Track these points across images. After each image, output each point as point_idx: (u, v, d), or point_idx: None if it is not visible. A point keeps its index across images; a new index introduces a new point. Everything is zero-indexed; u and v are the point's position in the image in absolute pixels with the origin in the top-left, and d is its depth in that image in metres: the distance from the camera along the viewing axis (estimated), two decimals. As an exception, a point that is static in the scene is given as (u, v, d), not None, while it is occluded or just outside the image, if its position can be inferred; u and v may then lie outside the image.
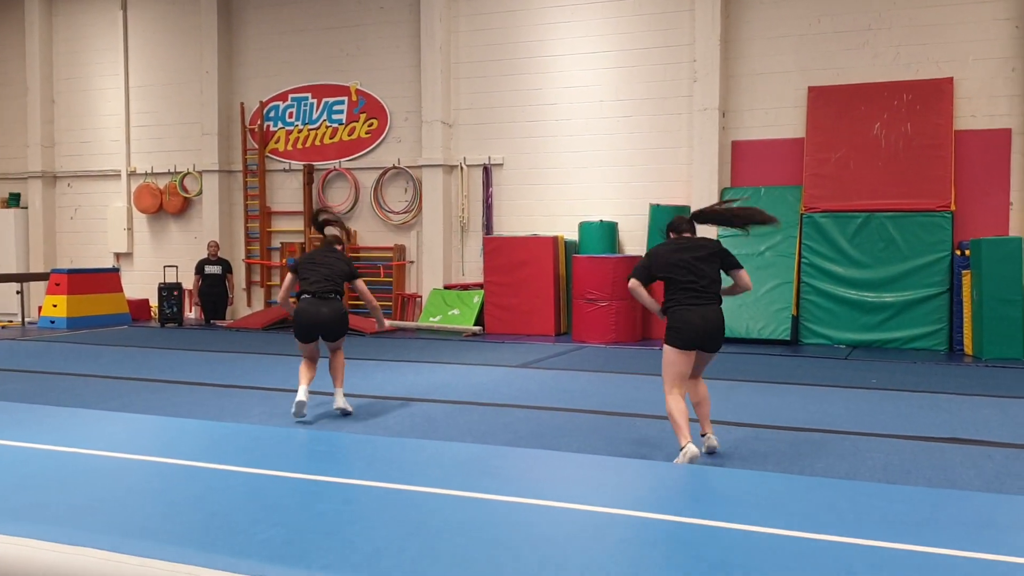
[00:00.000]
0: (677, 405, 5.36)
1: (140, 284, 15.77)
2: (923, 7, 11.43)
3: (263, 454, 5.43)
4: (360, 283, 7.05)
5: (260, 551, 3.67)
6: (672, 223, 5.86)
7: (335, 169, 14.64)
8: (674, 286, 5.56)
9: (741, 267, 5.62)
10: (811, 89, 11.83)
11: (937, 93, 11.22)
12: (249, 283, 15.32)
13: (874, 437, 6.09)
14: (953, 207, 10.88)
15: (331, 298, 6.82)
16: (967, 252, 10.47)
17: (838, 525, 4.08)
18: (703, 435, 5.61)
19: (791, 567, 3.56)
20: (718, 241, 5.74)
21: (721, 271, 5.59)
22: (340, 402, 6.82)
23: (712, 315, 5.47)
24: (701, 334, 5.44)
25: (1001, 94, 11.14)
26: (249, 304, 15.29)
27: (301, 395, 6.57)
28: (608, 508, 4.37)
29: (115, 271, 15.20)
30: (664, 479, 5.05)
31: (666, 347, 5.55)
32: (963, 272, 10.51)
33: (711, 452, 5.58)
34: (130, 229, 16.09)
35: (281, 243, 14.92)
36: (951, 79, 11.20)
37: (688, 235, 5.74)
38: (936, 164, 11.08)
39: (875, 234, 11.13)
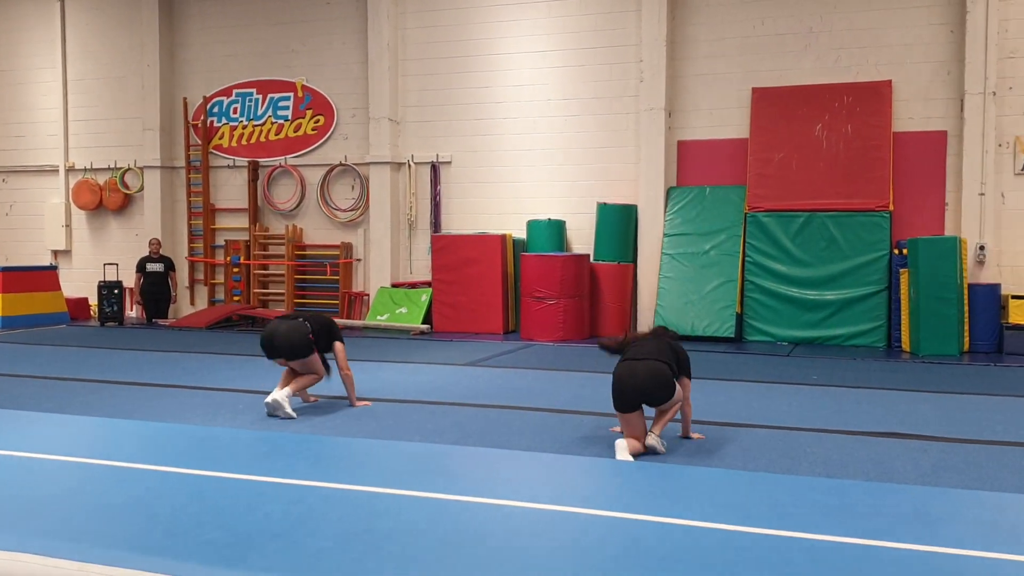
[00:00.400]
0: None
1: (79, 282, 15.41)
2: (862, 11, 11.67)
3: (206, 455, 5.35)
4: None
5: (202, 554, 3.62)
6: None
7: (281, 166, 14.47)
8: None
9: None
10: (755, 90, 12.02)
11: (876, 95, 11.48)
12: (192, 281, 15.08)
13: (815, 432, 6.21)
14: (891, 207, 11.14)
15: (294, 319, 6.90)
16: (905, 251, 10.73)
17: (779, 519, 4.16)
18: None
19: (734, 561, 3.61)
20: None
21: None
22: (276, 395, 6.71)
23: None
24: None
25: (937, 97, 11.43)
26: (192, 303, 15.04)
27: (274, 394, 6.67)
28: (556, 506, 4.40)
29: (52, 269, 14.83)
30: (610, 476, 5.09)
31: None
32: (901, 270, 10.77)
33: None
34: (68, 226, 15.71)
35: (225, 240, 14.71)
36: (889, 82, 11.47)
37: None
38: (875, 165, 11.33)
39: (816, 233, 11.35)
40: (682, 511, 4.30)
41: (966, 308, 10.56)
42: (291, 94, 14.44)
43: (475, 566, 3.54)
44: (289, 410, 6.64)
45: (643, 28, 12.34)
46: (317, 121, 14.32)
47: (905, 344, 10.70)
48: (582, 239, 12.85)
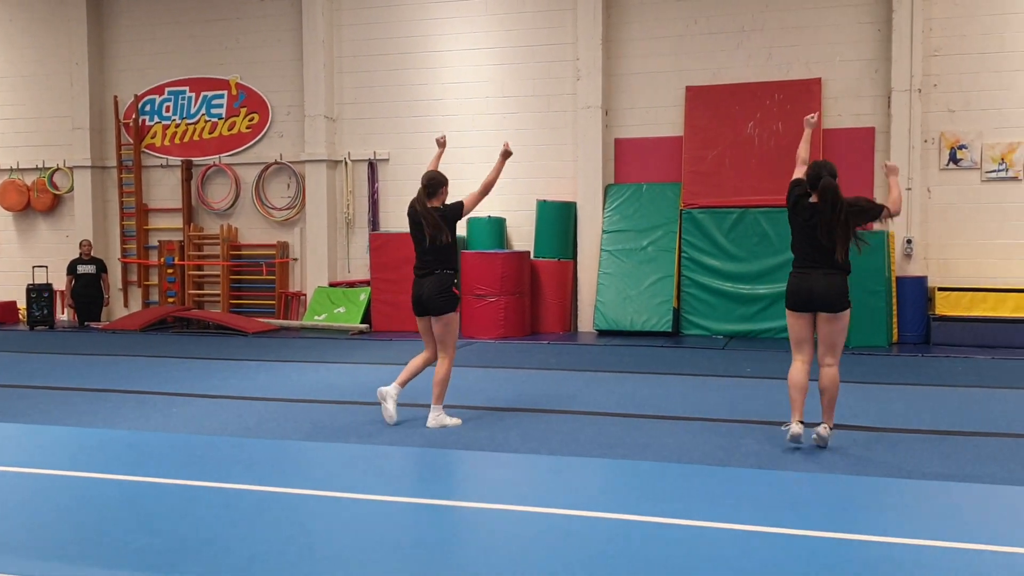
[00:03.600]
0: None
1: (7, 286, 14.95)
2: (793, 10, 11.90)
3: (137, 461, 5.25)
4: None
5: (133, 561, 3.56)
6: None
7: (215, 165, 14.23)
8: None
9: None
10: (689, 89, 12.17)
11: (806, 93, 11.72)
12: (125, 283, 14.74)
13: (748, 424, 6.33)
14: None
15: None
16: (835, 245, 10.96)
17: (712, 511, 4.24)
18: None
19: (666, 554, 3.67)
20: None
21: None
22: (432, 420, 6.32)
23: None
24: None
25: (866, 94, 11.71)
26: (126, 305, 14.71)
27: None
28: (491, 504, 4.42)
29: (-23, 272, 14.37)
30: (550, 474, 5.13)
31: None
32: (831, 264, 11.01)
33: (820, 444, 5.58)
34: (-6, 228, 15.25)
35: (159, 241, 14.41)
36: (819, 80, 11.71)
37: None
38: (806, 161, 11.55)
39: (749, 229, 11.55)
40: (615, 506, 4.35)
41: (894, 300, 10.85)
42: (225, 92, 14.21)
43: (412, 566, 3.54)
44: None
45: (579, 27, 12.41)
46: (252, 119, 14.12)
47: (836, 336, 10.95)
48: (522, 236, 12.89)
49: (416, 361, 6.49)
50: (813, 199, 5.64)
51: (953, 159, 11.28)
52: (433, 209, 6.41)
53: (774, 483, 4.77)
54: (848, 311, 5.63)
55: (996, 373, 8.70)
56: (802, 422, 5.53)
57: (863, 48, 11.68)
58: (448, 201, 6.56)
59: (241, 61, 14.12)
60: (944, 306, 10.74)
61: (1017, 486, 4.74)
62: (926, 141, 11.35)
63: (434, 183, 6.49)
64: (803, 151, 6.15)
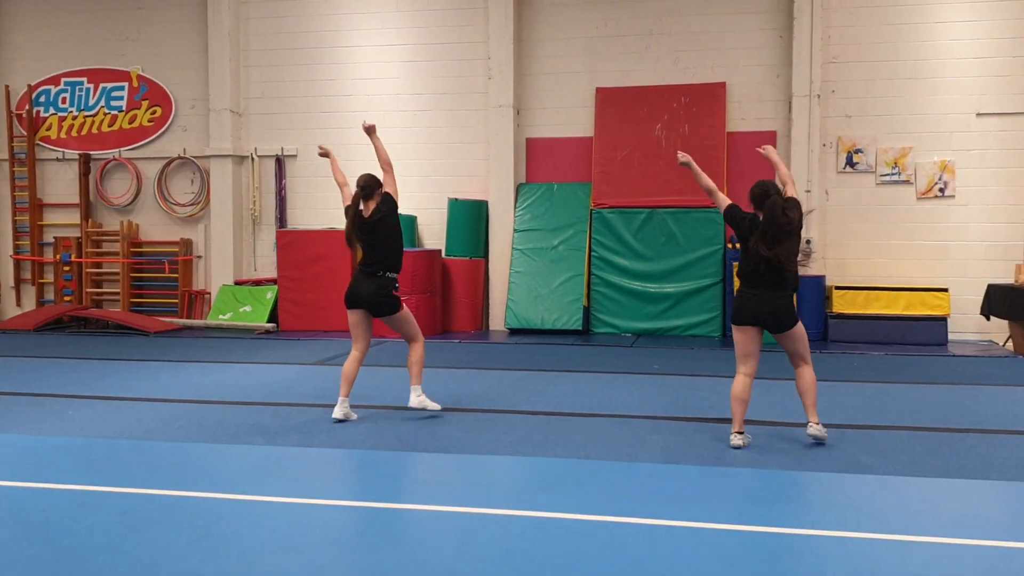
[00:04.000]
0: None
1: None
2: (698, 15, 12.18)
3: (28, 466, 5.04)
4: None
5: (22, 570, 3.42)
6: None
7: (115, 159, 13.75)
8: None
9: None
10: (598, 90, 12.33)
11: (711, 97, 12.00)
12: (18, 281, 14.12)
13: (655, 420, 6.44)
14: (726, 203, 11.67)
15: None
16: (738, 245, 11.25)
17: (618, 506, 4.30)
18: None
19: (573, 549, 3.71)
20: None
21: None
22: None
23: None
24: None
25: (767, 99, 12.06)
26: (19, 303, 14.10)
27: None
28: (402, 504, 4.40)
29: None
30: (459, 472, 5.13)
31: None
32: (734, 264, 11.31)
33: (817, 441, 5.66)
34: None
35: (54, 237, 13.85)
36: (724, 84, 12.01)
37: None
38: (710, 163, 11.81)
39: (657, 229, 11.78)
40: (526, 502, 4.38)
41: (794, 299, 11.18)
42: (125, 84, 13.75)
43: (318, 569, 3.49)
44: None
45: (490, 25, 12.44)
46: (154, 112, 13.70)
47: (740, 334, 11.26)
48: (434, 235, 12.85)
49: (348, 367, 6.39)
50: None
51: (850, 163, 11.72)
52: (374, 211, 6.38)
53: (680, 477, 4.87)
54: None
55: (889, 368, 9.07)
56: (741, 433, 5.62)
57: (765, 54, 12.02)
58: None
59: (143, 52, 13.69)
60: (841, 304, 11.14)
61: (906, 476, 4.95)
62: (824, 145, 11.76)
63: (370, 186, 6.49)
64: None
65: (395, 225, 6.49)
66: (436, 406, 6.45)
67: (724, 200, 5.93)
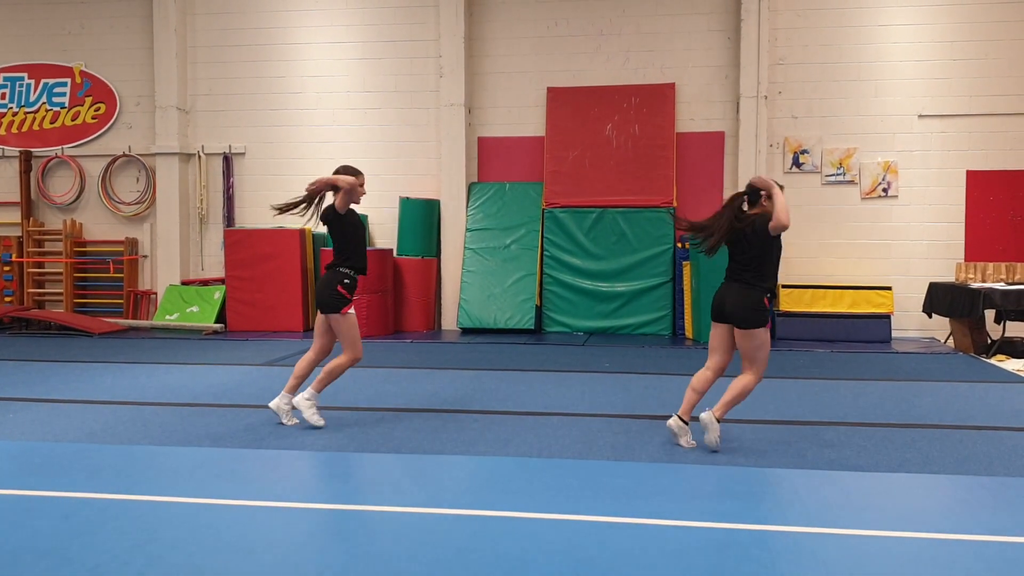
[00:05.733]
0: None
1: None
2: (648, 16, 12.27)
3: (-33, 471, 4.91)
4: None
5: (-41, 579, 3.33)
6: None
7: (57, 156, 13.45)
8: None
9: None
10: (550, 90, 12.37)
11: (661, 97, 12.11)
12: (-45, 281, 13.76)
13: (606, 418, 6.48)
14: (675, 203, 11.80)
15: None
16: (687, 244, 11.39)
17: (570, 504, 4.32)
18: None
19: (525, 548, 3.72)
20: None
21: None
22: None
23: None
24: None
25: (716, 100, 12.20)
26: (-45, 305, 13.72)
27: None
28: (353, 505, 4.36)
29: None
30: (411, 472, 5.10)
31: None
32: (684, 263, 11.44)
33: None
34: None
35: (-7, 236, 13.53)
36: (673, 84, 12.13)
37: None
38: (660, 163, 11.96)
39: (608, 228, 11.85)
40: (475, 502, 4.38)
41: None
42: (68, 80, 13.45)
43: (265, 571, 3.45)
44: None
45: (442, 23, 12.40)
46: (98, 109, 13.42)
47: (688, 332, 11.39)
48: (385, 233, 12.78)
49: (299, 363, 6.23)
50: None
51: (796, 163, 11.91)
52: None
53: (630, 474, 4.90)
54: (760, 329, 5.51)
55: (835, 365, 9.24)
56: (681, 418, 5.63)
57: (714, 55, 12.16)
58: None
59: (86, 48, 13.41)
60: (788, 302, 11.31)
61: (851, 471, 5.04)
62: (771, 146, 11.94)
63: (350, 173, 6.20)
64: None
65: (333, 226, 6.18)
66: (320, 422, 6.08)
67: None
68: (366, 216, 12.68)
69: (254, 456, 5.33)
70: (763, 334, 5.49)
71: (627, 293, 11.72)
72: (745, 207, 5.68)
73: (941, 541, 3.87)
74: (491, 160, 12.68)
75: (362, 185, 6.10)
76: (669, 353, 10.17)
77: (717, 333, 5.70)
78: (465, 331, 11.93)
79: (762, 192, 5.58)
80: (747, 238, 5.52)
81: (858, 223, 11.82)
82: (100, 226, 13.53)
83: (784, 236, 11.74)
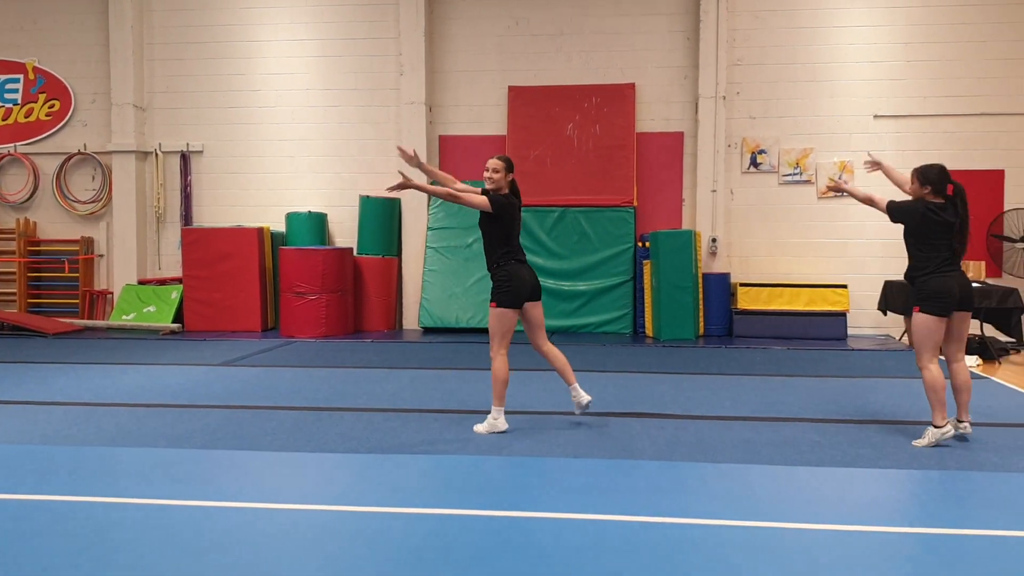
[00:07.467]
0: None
1: None
2: (608, 16, 12.33)
3: (-88, 474, 4.80)
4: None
5: (-98, 584, 3.25)
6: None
7: (10, 154, 13.19)
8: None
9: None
10: (511, 89, 12.38)
11: (621, 97, 12.17)
12: (-97, 281, 13.45)
13: (565, 416, 6.50)
14: (635, 203, 11.87)
15: None
16: (647, 244, 11.48)
17: (524, 501, 4.33)
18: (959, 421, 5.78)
19: (482, 547, 3.72)
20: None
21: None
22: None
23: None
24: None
25: (676, 100, 12.29)
26: (-96, 305, 13.41)
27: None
28: (303, 505, 4.34)
29: None
30: (369, 472, 5.08)
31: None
32: (644, 262, 11.51)
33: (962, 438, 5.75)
34: None
35: (-57, 236, 13.24)
36: (633, 84, 12.19)
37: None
38: (621, 163, 12.02)
39: (570, 227, 11.88)
40: (438, 500, 4.37)
41: (701, 296, 11.46)
42: (21, 76, 13.20)
43: (218, 571, 3.42)
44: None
45: (402, 21, 12.36)
46: (52, 106, 13.19)
47: (648, 330, 11.47)
48: (345, 232, 12.71)
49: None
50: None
51: (754, 163, 12.04)
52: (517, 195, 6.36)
53: (588, 471, 4.92)
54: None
55: (791, 362, 9.35)
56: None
57: (673, 56, 12.25)
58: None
59: (39, 43, 13.18)
60: (745, 300, 11.43)
61: (806, 466, 5.11)
62: (730, 146, 12.05)
63: (512, 167, 6.39)
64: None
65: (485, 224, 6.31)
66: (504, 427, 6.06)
67: (882, 199, 6.06)
68: (325, 215, 12.61)
69: (210, 457, 5.27)
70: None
71: (588, 292, 11.76)
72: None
73: (893, 534, 3.94)
74: (453, 159, 12.66)
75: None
76: (629, 351, 10.23)
77: (956, 319, 5.78)
78: (427, 330, 11.91)
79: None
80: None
81: (814, 222, 11.97)
82: (55, 225, 13.30)
83: (742, 235, 11.91)
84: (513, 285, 6.10)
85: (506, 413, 6.11)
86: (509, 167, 6.23)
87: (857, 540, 3.85)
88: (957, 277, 5.77)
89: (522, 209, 6.34)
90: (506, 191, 6.17)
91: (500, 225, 6.11)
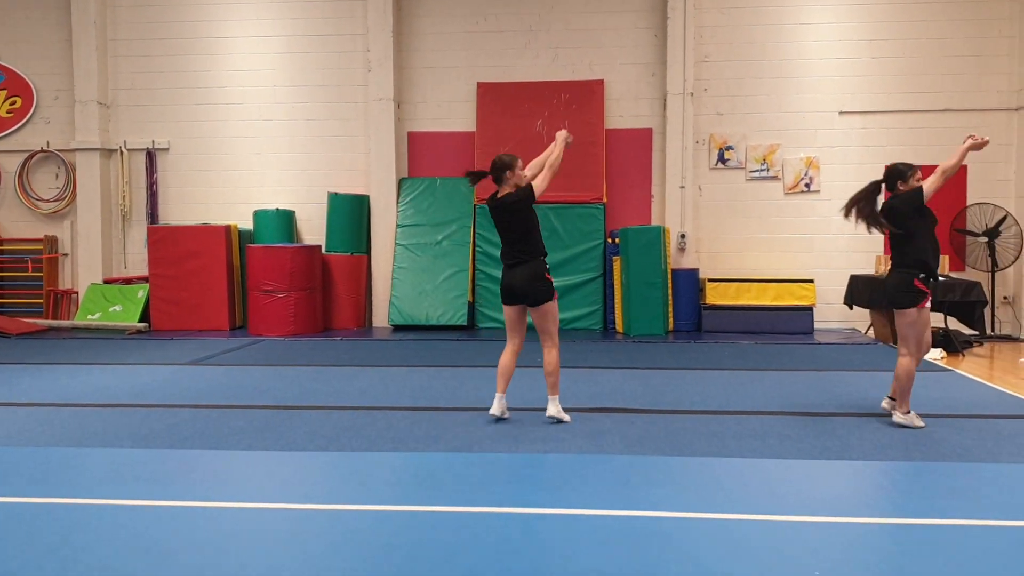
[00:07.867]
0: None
1: None
2: (577, 13, 12.35)
3: None
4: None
5: None
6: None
7: (-30, 151, 12.98)
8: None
9: None
10: (480, 85, 12.36)
11: (590, 94, 12.20)
12: None
13: (535, 412, 6.51)
14: (605, 199, 11.90)
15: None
16: (617, 240, 11.52)
17: (495, 496, 4.33)
18: None
19: (453, 543, 3.72)
20: None
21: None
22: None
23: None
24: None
25: (644, 96, 12.34)
26: None
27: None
28: (272, 504, 4.31)
29: None
30: (338, 470, 5.06)
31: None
32: (614, 258, 11.55)
33: None
34: None
35: (-98, 235, 12.99)
36: (602, 81, 12.23)
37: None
38: (590, 160, 12.04)
39: (540, 224, 11.83)
40: (400, 497, 4.36)
41: (670, 291, 11.52)
42: (-20, 72, 13.00)
43: (186, 572, 3.39)
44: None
45: (369, 17, 12.29)
46: (13, 103, 12.98)
47: (619, 326, 11.51)
48: (313, 230, 12.63)
49: (505, 362, 6.27)
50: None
51: (721, 159, 12.11)
52: (504, 197, 6.16)
53: (558, 465, 4.94)
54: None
55: (759, 356, 9.43)
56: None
57: (641, 52, 12.29)
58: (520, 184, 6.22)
59: (0, 39, 12.95)
60: (714, 296, 11.51)
61: (773, 459, 5.16)
62: (697, 142, 12.11)
63: (495, 168, 6.21)
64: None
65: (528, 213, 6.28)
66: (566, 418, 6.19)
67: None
68: (292, 212, 12.53)
69: (176, 456, 5.22)
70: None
71: (559, 288, 11.74)
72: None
73: (860, 525, 3.99)
74: (421, 155, 12.62)
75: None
76: (600, 347, 10.26)
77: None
78: (397, 328, 11.87)
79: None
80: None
81: (781, 218, 12.08)
82: (17, 224, 13.09)
83: (710, 231, 11.96)
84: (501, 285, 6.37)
85: (474, 410, 6.10)
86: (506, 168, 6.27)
87: (824, 531, 3.89)
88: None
89: (513, 215, 6.26)
90: (509, 192, 6.21)
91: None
